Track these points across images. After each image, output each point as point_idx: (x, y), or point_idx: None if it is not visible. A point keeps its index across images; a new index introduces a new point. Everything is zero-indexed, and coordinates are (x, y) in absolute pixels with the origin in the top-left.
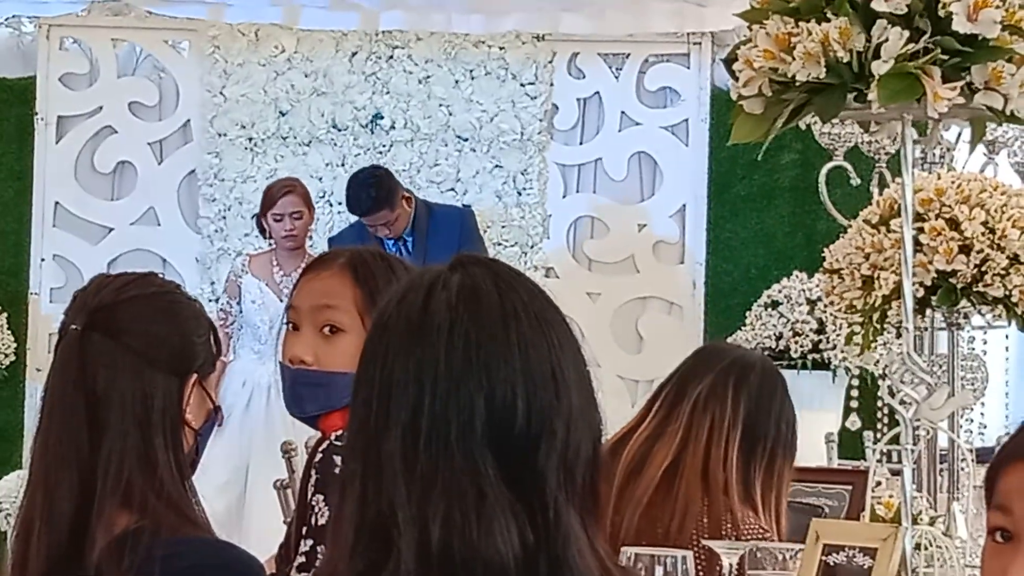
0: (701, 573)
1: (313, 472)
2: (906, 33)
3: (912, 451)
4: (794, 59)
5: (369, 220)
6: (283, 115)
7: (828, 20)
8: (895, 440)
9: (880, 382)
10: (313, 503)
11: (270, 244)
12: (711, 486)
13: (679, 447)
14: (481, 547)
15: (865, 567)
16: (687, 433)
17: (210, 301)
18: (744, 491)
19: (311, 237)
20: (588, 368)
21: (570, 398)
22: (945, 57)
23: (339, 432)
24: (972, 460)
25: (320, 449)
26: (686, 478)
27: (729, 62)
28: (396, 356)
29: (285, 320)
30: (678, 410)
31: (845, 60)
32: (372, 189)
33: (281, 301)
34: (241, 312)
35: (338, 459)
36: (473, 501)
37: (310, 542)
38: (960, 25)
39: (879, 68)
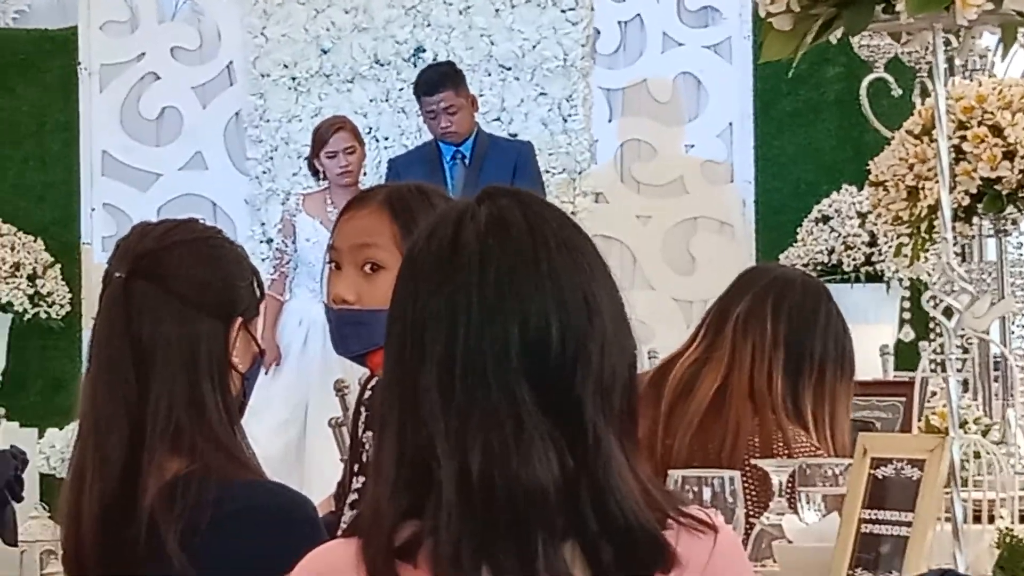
0: (754, 493)
1: (363, 409)
2: None
3: (955, 360)
4: None
5: (433, 101)
6: (325, 53)
7: None
8: (943, 350)
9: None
10: (364, 440)
11: (319, 184)
12: (760, 406)
13: (726, 371)
14: (521, 475)
15: (914, 479)
16: (732, 357)
17: (260, 243)
18: (795, 409)
19: (365, 173)
20: (619, 293)
21: (603, 323)
22: None
23: None
24: None
25: (369, 386)
26: (735, 400)
27: None
28: (428, 290)
29: (328, 260)
30: (722, 335)
31: None
32: (443, 66)
33: None
34: (296, 251)
35: None
36: (511, 430)
37: (362, 479)
38: None
39: None
